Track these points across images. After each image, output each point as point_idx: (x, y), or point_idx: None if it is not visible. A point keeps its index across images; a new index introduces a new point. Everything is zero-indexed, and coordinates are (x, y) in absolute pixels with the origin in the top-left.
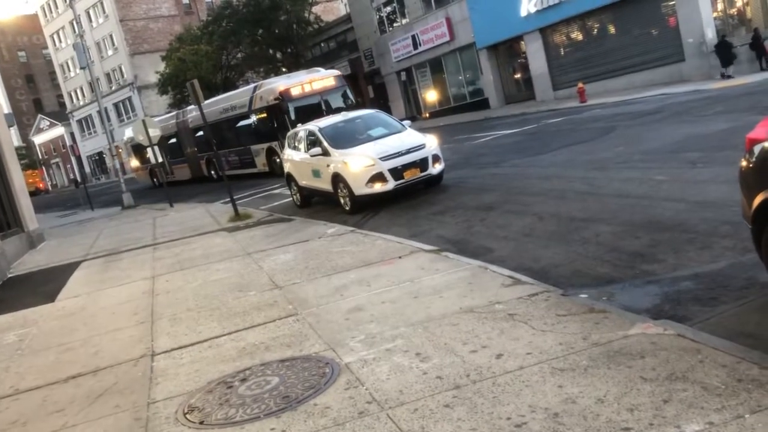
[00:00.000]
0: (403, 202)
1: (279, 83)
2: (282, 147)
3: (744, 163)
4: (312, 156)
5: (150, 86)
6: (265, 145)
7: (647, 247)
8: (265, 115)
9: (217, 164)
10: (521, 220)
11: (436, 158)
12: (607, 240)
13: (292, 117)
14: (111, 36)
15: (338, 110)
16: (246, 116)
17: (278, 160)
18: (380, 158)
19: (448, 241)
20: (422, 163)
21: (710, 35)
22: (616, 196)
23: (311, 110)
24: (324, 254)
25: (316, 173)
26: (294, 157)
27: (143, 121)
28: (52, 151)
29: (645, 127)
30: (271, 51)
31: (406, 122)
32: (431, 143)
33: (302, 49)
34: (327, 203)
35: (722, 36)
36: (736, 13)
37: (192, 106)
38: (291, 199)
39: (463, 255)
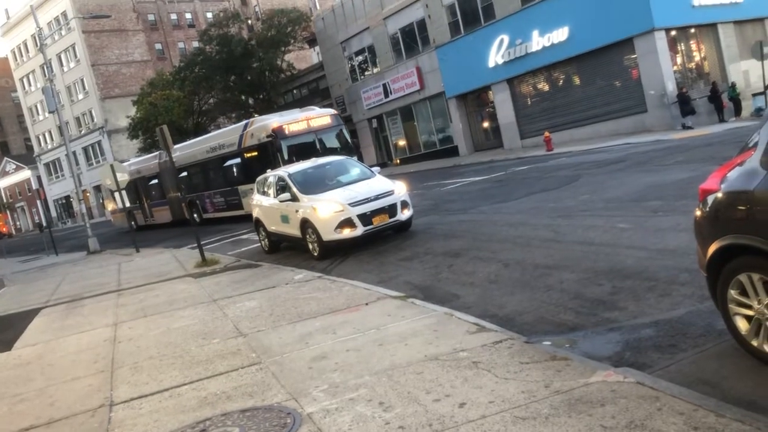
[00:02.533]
0: (372, 247)
1: (272, 120)
2: None
3: (698, 213)
4: (281, 201)
5: (120, 130)
6: (254, 186)
7: (609, 294)
8: (255, 153)
9: (198, 205)
10: (488, 267)
11: (404, 204)
12: (571, 287)
13: (285, 156)
14: (82, 80)
15: (333, 150)
16: (235, 155)
17: None
18: (349, 204)
19: (416, 288)
20: (391, 209)
21: (671, 88)
22: (579, 244)
23: (305, 149)
24: (290, 301)
25: (285, 219)
26: (263, 202)
27: (111, 165)
28: (18, 194)
29: (609, 176)
30: (243, 97)
31: (376, 169)
32: (400, 189)
33: (274, 95)
34: (295, 249)
35: (681, 89)
36: (694, 67)
37: (176, 146)
38: (259, 244)
39: (429, 301)
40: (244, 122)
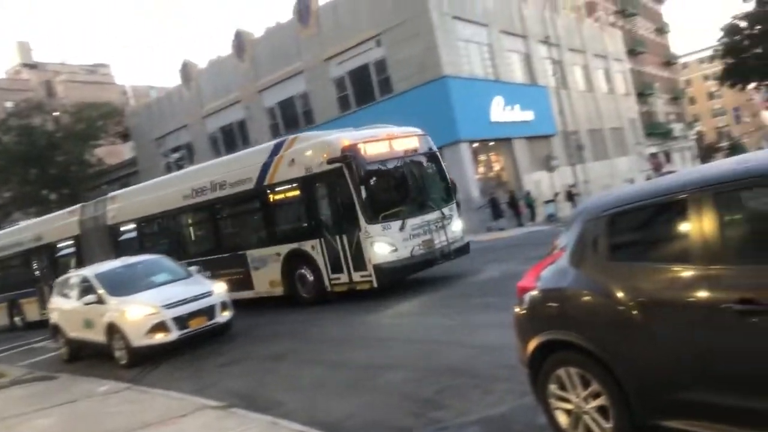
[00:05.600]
0: (188, 353)
1: (336, 136)
2: (346, 244)
3: (517, 310)
4: (85, 304)
5: None
6: (285, 248)
7: (436, 393)
8: (298, 192)
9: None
10: (314, 369)
11: (224, 306)
12: (399, 387)
13: (363, 193)
14: None
15: (426, 190)
16: (249, 199)
17: (317, 274)
18: (163, 306)
19: (237, 395)
20: (209, 311)
21: (475, 193)
22: (404, 342)
23: (391, 185)
24: (94, 416)
25: (89, 323)
26: (63, 305)
27: None
28: None
29: (423, 272)
30: (44, 192)
31: (193, 268)
32: (219, 290)
33: (81, 190)
34: (100, 357)
35: (491, 194)
36: (495, 175)
37: (115, 193)
38: (57, 353)
39: (252, 410)
40: (274, 143)
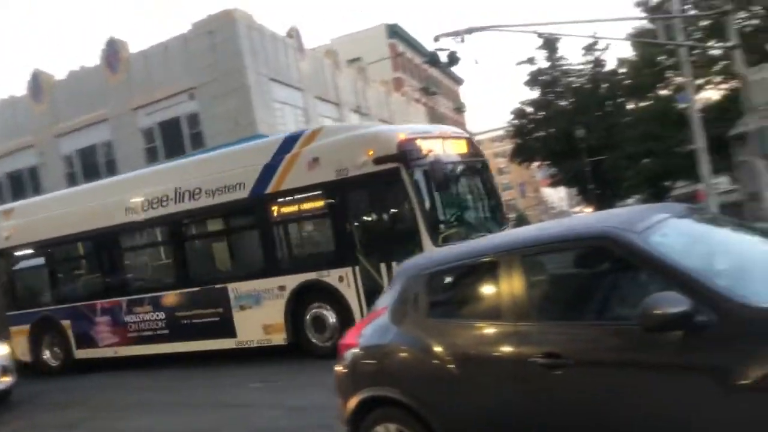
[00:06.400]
0: None
1: (387, 127)
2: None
3: (338, 368)
4: None
5: None
6: (295, 280)
7: None
8: (321, 202)
9: (68, 330)
10: None
11: (5, 370)
12: None
13: (427, 205)
14: None
15: (480, 206)
16: (237, 212)
17: (345, 316)
18: None
19: None
20: None
21: None
22: (213, 406)
23: (454, 194)
24: None
25: None
26: None
27: None
28: None
29: None
30: None
31: None
32: (1, 352)
33: None
34: None
35: None
36: None
37: (12, 205)
38: None
39: None
40: (285, 136)
